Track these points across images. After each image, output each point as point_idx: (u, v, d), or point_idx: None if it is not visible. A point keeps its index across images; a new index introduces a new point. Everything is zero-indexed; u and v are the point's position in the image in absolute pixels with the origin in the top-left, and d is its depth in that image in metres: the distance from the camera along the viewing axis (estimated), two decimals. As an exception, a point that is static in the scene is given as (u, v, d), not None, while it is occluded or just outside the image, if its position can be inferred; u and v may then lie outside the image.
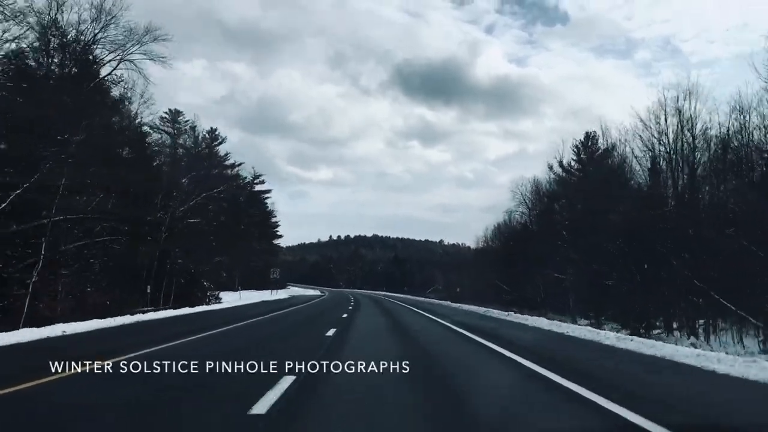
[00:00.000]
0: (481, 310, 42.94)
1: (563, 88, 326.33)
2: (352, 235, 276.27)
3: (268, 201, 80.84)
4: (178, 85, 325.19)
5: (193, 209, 40.44)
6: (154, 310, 31.24)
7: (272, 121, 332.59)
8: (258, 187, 78.27)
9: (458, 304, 56.04)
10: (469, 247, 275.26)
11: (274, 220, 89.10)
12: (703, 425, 6.73)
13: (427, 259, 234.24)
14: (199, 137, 66.49)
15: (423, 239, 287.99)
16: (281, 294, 61.97)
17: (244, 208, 72.52)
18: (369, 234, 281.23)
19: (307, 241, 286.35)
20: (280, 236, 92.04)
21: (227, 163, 69.63)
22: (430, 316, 31.84)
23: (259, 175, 77.26)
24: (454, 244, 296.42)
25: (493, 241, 76.32)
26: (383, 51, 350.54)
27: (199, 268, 45.73)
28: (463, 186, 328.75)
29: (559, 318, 44.84)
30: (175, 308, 32.50)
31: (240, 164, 72.48)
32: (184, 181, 42.57)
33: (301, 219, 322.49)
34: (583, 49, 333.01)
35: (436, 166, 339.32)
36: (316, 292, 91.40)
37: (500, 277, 64.41)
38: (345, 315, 30.52)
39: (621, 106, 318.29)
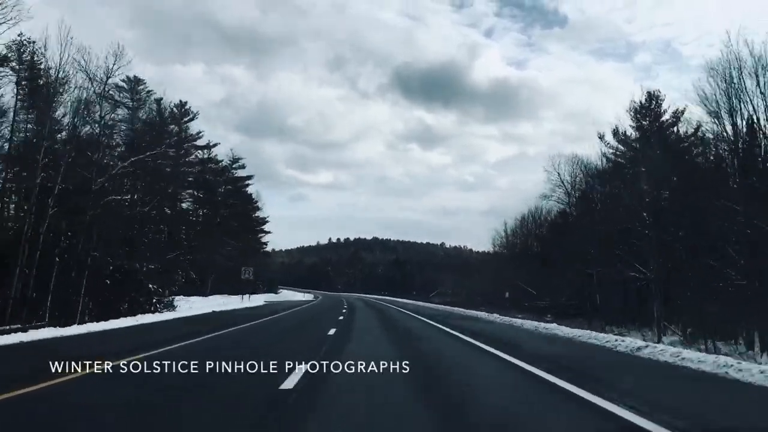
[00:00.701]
0: (515, 321, 30.84)
1: (563, 91, 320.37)
2: (351, 238, 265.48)
3: (250, 190, 68.66)
4: (176, 88, 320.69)
5: (120, 182, 28.35)
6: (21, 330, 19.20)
7: (271, 125, 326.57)
8: (238, 173, 66.11)
9: (475, 312, 43.98)
10: (471, 250, 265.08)
11: (260, 214, 77.32)
12: None
13: (428, 261, 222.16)
14: (166, 112, 54.63)
15: (424, 242, 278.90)
16: (255, 300, 49.38)
17: (222, 198, 60.63)
18: (369, 237, 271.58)
19: (306, 244, 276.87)
20: (267, 232, 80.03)
21: (199, 143, 58.07)
22: (461, 335, 19.68)
23: (238, 159, 65.08)
24: (456, 246, 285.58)
25: (515, 237, 64.39)
26: (382, 54, 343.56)
27: (139, 264, 33.68)
28: (463, 189, 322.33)
29: (619, 330, 33.11)
30: (60, 326, 20.35)
31: (214, 145, 60.53)
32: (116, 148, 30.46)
33: (300, 223, 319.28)
34: (583, 53, 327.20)
35: (437, 169, 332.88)
36: (307, 297, 79.67)
37: (528, 279, 52.49)
38: (329, 334, 18.60)
39: (621, 108, 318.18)
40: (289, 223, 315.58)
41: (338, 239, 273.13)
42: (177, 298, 39.93)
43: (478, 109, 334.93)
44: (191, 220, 57.70)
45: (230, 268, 62.87)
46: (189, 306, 36.08)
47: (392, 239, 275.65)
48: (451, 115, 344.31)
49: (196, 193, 58.59)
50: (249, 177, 64.97)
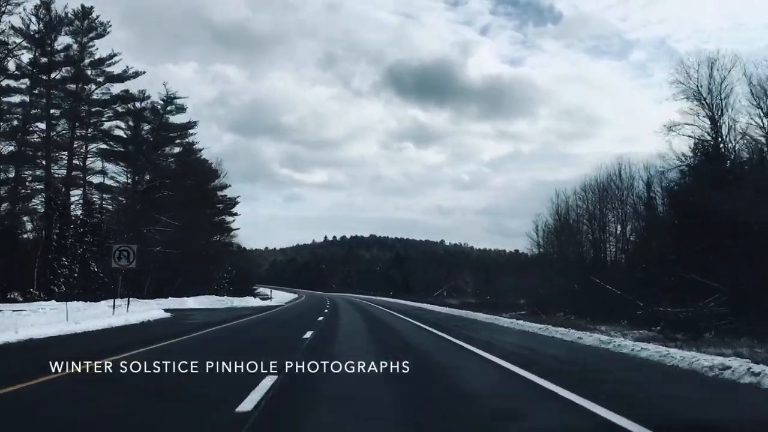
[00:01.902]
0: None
1: (558, 89, 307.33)
2: (348, 236, 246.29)
3: (194, 143, 48.26)
4: (169, 87, 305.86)
5: None
6: None
7: (264, 124, 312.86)
8: (175, 119, 44.47)
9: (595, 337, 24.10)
10: (472, 247, 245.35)
11: (227, 194, 57.90)
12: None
13: (429, 259, 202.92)
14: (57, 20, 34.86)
15: (423, 239, 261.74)
16: (146, 310, 27.45)
17: (149, 154, 40.34)
18: (366, 234, 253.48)
19: (301, 243, 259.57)
20: (234, 213, 60.50)
21: (112, 70, 38.01)
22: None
23: (173, 98, 42.09)
24: (456, 243, 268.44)
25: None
26: (375, 52, 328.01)
27: None
28: (459, 188, 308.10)
29: None
30: None
31: (135, 74, 40.14)
32: None
33: (296, 222, 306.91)
34: (578, 50, 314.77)
35: (432, 168, 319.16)
36: (280, 300, 60.47)
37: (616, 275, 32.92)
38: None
39: (616, 106, 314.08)
40: (285, 222, 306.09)
41: (334, 237, 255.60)
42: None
43: (473, 107, 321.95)
44: (105, 185, 38.29)
45: (174, 260, 43.44)
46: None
47: (390, 237, 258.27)
48: (444, 113, 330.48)
49: (108, 145, 38.86)
50: (190, 125, 44.17)
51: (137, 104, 38.79)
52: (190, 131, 42.29)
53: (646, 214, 38.68)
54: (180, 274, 44.38)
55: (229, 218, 62.44)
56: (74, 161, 37.81)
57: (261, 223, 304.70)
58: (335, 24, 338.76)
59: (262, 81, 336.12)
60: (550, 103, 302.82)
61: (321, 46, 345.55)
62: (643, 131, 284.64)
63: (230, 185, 60.66)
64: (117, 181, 39.40)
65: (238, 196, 61.50)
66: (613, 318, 39.31)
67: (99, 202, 38.65)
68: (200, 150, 49.64)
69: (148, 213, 39.79)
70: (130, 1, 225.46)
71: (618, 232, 42.66)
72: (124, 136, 39.27)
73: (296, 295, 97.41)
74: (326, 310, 30.41)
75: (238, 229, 65.55)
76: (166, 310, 22.66)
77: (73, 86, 36.59)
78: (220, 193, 60.35)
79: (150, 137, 40.04)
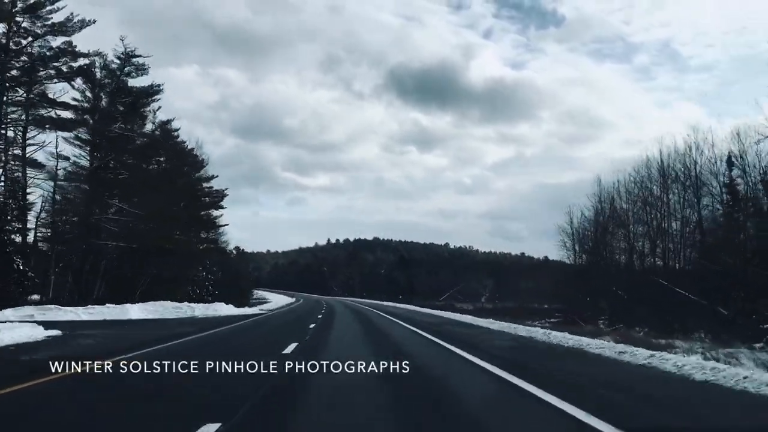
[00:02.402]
0: None
1: (561, 92, 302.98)
2: (351, 239, 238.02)
3: (170, 121, 39.46)
4: (169, 91, 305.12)
5: None
6: None
7: (266, 127, 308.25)
8: (135, 82, 34.88)
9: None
10: (477, 251, 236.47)
11: (204, 174, 49.39)
12: None
13: (434, 262, 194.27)
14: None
15: (427, 242, 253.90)
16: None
17: (104, 125, 31.38)
18: (369, 237, 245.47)
19: (303, 245, 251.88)
20: (219, 203, 52.08)
21: (53, 19, 29.06)
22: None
23: (132, 55, 32.66)
24: (461, 247, 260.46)
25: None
26: (377, 55, 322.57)
27: None
28: (461, 192, 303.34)
29: None
30: None
31: (82, 24, 30.43)
32: None
33: (299, 226, 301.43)
34: (581, 54, 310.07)
35: (434, 172, 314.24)
36: (268, 307, 52.17)
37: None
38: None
39: (619, 110, 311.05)
40: (288, 226, 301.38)
41: (337, 240, 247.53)
42: None
43: (475, 111, 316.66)
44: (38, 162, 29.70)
45: (139, 258, 34.98)
46: None
47: (393, 239, 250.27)
48: (447, 116, 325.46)
49: (49, 113, 30.09)
50: (154, 90, 35.01)
51: (86, 62, 30.30)
52: (155, 97, 33.79)
53: (728, 198, 30.26)
54: (146, 274, 35.95)
55: (215, 212, 54.16)
56: (5, 131, 29.37)
57: (264, 226, 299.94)
58: (336, 26, 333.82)
59: (263, 84, 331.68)
60: (553, 107, 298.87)
61: (322, 48, 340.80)
62: (647, 134, 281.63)
63: (216, 176, 52.30)
64: (62, 158, 31.01)
65: (226, 189, 53.22)
66: (684, 329, 30.82)
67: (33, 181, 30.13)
68: (174, 128, 41.35)
69: (99, 197, 31.44)
70: (129, 4, 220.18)
71: (687, 222, 34.04)
72: (71, 102, 30.93)
73: (293, 300, 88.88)
74: (311, 327, 21.78)
75: (227, 225, 57.30)
76: (71, 323, 14.26)
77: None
78: (205, 185, 52.11)
79: (104, 103, 31.62)
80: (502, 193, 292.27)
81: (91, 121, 31.48)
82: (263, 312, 37.23)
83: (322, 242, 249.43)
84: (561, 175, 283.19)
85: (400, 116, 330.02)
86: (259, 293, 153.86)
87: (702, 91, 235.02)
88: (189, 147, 44.94)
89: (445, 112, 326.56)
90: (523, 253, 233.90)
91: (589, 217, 43.04)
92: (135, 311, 23.41)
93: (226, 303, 52.49)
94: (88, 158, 31.76)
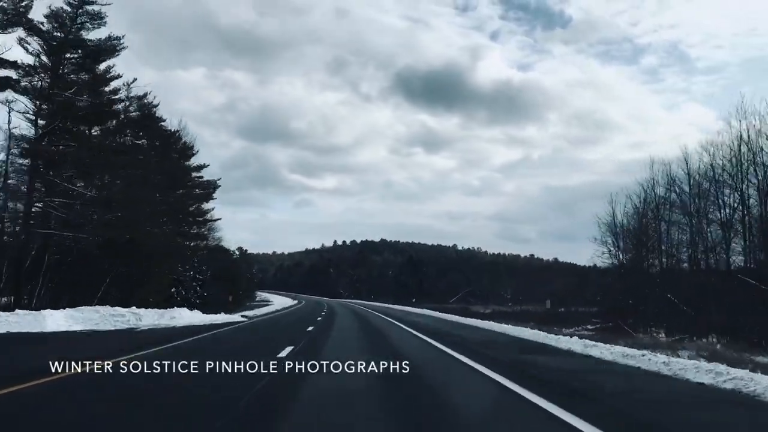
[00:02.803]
0: None
1: (568, 94, 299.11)
2: (358, 240, 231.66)
3: (146, 95, 32.91)
4: (177, 93, 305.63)
5: None
6: None
7: (273, 130, 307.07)
8: (89, 34, 26.83)
9: None
10: (486, 252, 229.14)
11: (194, 161, 43.05)
12: None
13: (444, 263, 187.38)
14: None
15: (435, 244, 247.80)
16: None
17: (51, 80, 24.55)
18: (377, 239, 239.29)
19: (310, 247, 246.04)
20: (207, 188, 45.58)
21: None
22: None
23: (88, 1, 24.86)
24: (469, 248, 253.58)
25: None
26: (384, 57, 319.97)
27: None
28: (468, 193, 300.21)
29: None
30: None
31: None
32: None
33: (306, 228, 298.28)
34: (588, 56, 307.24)
35: (442, 174, 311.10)
36: (255, 312, 45.74)
37: None
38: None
39: (627, 112, 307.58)
40: (295, 228, 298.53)
41: (344, 241, 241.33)
42: None
43: (482, 113, 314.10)
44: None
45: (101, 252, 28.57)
46: None
47: (401, 241, 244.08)
48: (454, 118, 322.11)
49: None
50: (112, 45, 27.54)
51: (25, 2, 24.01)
52: (115, 53, 27.17)
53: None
54: (109, 273, 29.55)
55: (206, 206, 47.80)
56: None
57: (270, 228, 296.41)
58: (343, 28, 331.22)
59: (270, 86, 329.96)
60: (560, 109, 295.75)
61: (329, 50, 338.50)
62: (654, 137, 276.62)
63: (207, 165, 45.96)
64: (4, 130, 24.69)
65: (218, 179, 46.81)
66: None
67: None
68: (152, 104, 34.93)
69: (44, 175, 25.09)
70: (137, 7, 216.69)
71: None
72: (12, 59, 24.59)
73: (293, 302, 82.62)
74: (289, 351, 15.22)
75: (219, 219, 51.02)
76: None
77: None
78: (195, 175, 45.79)
79: (50, 59, 25.21)
80: (510, 195, 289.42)
81: (36, 82, 25.18)
82: (243, 320, 30.62)
83: (329, 244, 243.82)
84: (568, 177, 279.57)
85: (407, 118, 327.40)
86: (263, 295, 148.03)
87: (710, 93, 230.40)
88: (171, 129, 38.64)
89: (453, 113, 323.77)
90: (532, 255, 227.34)
91: (639, 207, 36.23)
92: (56, 320, 17.05)
93: (217, 307, 46.39)
94: (33, 128, 25.42)
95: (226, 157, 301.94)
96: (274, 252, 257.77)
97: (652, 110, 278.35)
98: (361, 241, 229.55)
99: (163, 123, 36.49)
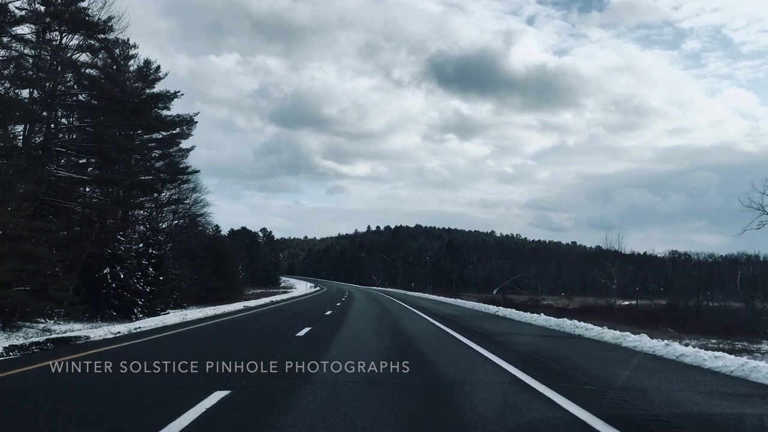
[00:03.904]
0: None
1: (605, 79, 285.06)
2: (392, 226, 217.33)
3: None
4: (210, 80, 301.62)
5: None
6: None
7: (306, 115, 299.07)
8: None
9: None
10: (525, 239, 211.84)
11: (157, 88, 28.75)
12: None
13: (484, 249, 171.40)
14: None
15: (472, 230, 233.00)
16: None
17: None
18: (411, 224, 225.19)
19: (343, 233, 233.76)
20: (173, 128, 31.23)
21: None
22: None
23: None
24: (508, 235, 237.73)
25: None
26: (416, 42, 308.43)
27: None
28: (503, 181, 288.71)
29: None
30: None
31: None
32: None
33: (339, 214, 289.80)
34: (628, 40, 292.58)
35: (475, 161, 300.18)
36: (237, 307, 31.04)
37: None
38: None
39: (667, 97, 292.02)
40: (328, 214, 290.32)
41: (377, 227, 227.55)
42: None
43: (516, 99, 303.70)
44: None
45: None
46: None
47: (437, 227, 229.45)
48: (488, 104, 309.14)
49: None
50: None
51: None
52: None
53: None
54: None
55: (176, 155, 33.29)
56: None
57: (304, 214, 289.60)
58: (375, 12, 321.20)
59: (302, 72, 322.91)
60: (597, 94, 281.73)
61: (361, 35, 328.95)
62: (695, 122, 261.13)
63: (178, 93, 31.25)
64: None
65: (196, 114, 32.21)
66: None
67: None
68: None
69: None
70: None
71: None
72: None
73: (315, 289, 68.28)
74: None
75: (198, 172, 36.05)
76: None
77: None
78: (165, 113, 31.36)
79: None
80: (545, 182, 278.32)
81: None
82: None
83: (362, 229, 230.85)
84: (605, 165, 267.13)
85: (440, 104, 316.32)
86: (290, 281, 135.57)
87: (755, 78, 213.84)
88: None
89: (486, 99, 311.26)
90: (574, 242, 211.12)
91: None
92: None
93: (193, 299, 32.60)
94: None
95: (260, 143, 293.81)
96: (305, 237, 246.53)
97: (693, 96, 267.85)
98: (396, 226, 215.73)
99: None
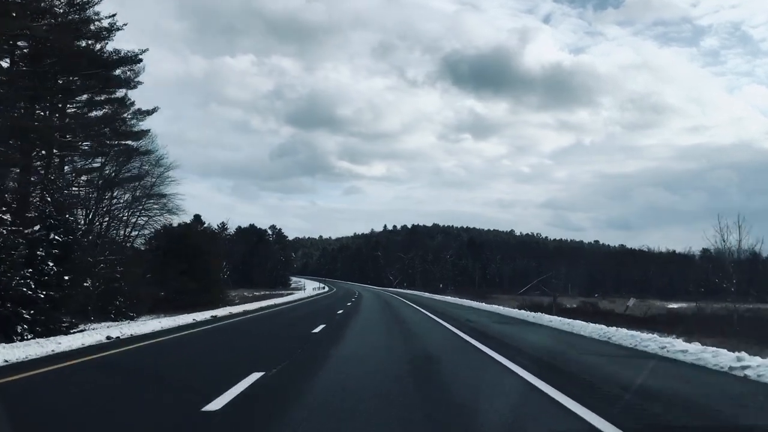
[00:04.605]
0: None
1: (622, 77, 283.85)
2: (409, 225, 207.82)
3: None
4: (225, 81, 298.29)
5: None
6: None
7: (321, 116, 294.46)
8: None
9: None
10: (546, 238, 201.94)
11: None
12: None
13: (506, 249, 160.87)
14: None
15: (491, 229, 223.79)
16: None
17: None
18: (429, 224, 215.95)
19: (359, 232, 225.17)
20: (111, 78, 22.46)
21: None
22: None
23: None
24: (528, 234, 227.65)
25: None
26: (430, 41, 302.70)
27: None
28: (520, 180, 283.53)
29: None
30: None
31: None
32: None
33: (355, 215, 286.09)
34: (646, 37, 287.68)
35: (491, 160, 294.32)
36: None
37: None
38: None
39: (685, 95, 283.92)
40: (344, 215, 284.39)
41: (393, 226, 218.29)
42: None
43: (531, 98, 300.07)
44: None
45: None
46: None
47: (455, 226, 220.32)
48: (503, 103, 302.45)
49: None
50: None
51: None
52: None
53: None
54: None
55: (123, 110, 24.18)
56: None
57: (320, 215, 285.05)
58: (389, 11, 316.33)
59: (317, 72, 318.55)
60: (614, 92, 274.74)
61: (375, 35, 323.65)
62: (714, 120, 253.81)
63: (139, 57, 22.07)
64: None
65: (143, 51, 23.23)
66: None
67: None
68: None
69: None
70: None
71: None
72: None
73: (321, 290, 59.28)
74: None
75: (146, 132, 26.14)
76: None
77: None
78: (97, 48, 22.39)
79: None
80: (562, 182, 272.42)
81: None
82: None
83: (378, 228, 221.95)
84: (623, 164, 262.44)
85: (455, 104, 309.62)
86: (301, 282, 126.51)
87: None
88: None
89: (501, 98, 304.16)
90: (597, 241, 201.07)
91: None
92: None
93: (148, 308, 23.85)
94: None
95: (276, 144, 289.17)
96: (320, 236, 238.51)
97: (712, 93, 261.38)
98: (413, 225, 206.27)
99: None
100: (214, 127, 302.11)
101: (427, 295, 65.41)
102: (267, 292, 58.34)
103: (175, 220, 31.88)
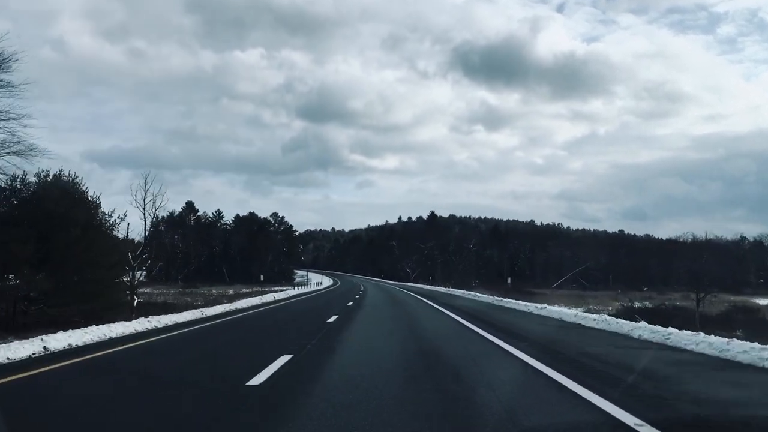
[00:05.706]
0: None
1: (636, 66, 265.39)
2: (424, 216, 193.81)
3: None
4: (235, 75, 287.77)
5: None
6: None
7: (332, 109, 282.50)
8: None
9: None
10: (569, 228, 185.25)
11: None
12: None
13: (533, 237, 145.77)
14: None
15: (511, 219, 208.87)
16: None
17: None
18: (445, 215, 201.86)
19: (373, 224, 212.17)
20: None
21: None
22: None
23: None
24: (550, 224, 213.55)
25: None
26: (441, 32, 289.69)
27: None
28: (533, 172, 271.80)
29: None
30: None
31: None
32: None
33: (368, 208, 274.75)
34: (661, 26, 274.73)
35: (504, 152, 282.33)
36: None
37: None
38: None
39: (702, 84, 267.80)
40: (358, 209, 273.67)
41: (409, 217, 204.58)
42: None
43: (544, 88, 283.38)
44: None
45: None
46: None
47: (473, 216, 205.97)
48: (515, 94, 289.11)
49: None
50: None
51: None
52: None
53: None
54: None
55: None
56: None
57: (333, 209, 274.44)
58: (398, 3, 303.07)
59: (327, 65, 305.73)
60: (628, 81, 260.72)
61: (384, 27, 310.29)
62: (731, 108, 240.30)
63: None
64: None
65: None
66: None
67: None
68: None
69: None
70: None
71: None
72: None
73: (320, 287, 44.26)
74: None
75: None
76: None
77: None
78: None
79: None
80: (576, 173, 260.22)
81: None
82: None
83: (393, 220, 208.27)
84: (638, 154, 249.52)
85: (467, 95, 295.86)
86: (307, 275, 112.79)
87: None
88: None
89: (513, 89, 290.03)
90: (621, 231, 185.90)
91: None
92: None
93: None
94: None
95: (288, 138, 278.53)
96: (333, 228, 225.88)
97: (728, 81, 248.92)
98: (431, 212, 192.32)
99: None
100: (225, 121, 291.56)
101: (459, 292, 49.74)
102: (247, 290, 44.12)
103: (30, 171, 17.93)
